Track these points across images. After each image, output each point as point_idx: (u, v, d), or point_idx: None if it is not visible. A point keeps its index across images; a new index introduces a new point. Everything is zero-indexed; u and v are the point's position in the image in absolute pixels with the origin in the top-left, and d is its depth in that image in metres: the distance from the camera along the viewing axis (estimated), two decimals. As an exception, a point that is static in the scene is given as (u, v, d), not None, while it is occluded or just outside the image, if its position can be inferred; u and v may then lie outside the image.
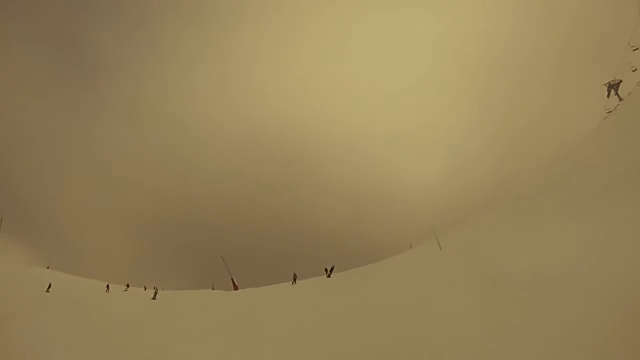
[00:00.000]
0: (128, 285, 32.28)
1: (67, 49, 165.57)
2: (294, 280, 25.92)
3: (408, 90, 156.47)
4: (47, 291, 25.30)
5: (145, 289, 33.09)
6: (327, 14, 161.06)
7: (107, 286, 29.88)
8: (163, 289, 34.13)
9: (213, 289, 34.94)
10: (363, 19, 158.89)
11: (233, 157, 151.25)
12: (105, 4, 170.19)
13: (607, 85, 47.54)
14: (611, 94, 46.83)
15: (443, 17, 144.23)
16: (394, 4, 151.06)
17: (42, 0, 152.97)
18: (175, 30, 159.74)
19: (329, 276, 24.68)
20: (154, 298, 24.73)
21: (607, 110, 45.07)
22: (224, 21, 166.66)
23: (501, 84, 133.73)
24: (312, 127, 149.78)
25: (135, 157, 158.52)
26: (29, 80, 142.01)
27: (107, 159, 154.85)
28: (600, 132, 37.62)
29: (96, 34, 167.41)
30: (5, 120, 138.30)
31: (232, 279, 37.36)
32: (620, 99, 44.54)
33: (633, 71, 46.17)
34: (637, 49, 47.96)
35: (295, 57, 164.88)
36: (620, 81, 46.45)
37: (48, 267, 37.57)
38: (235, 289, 34.28)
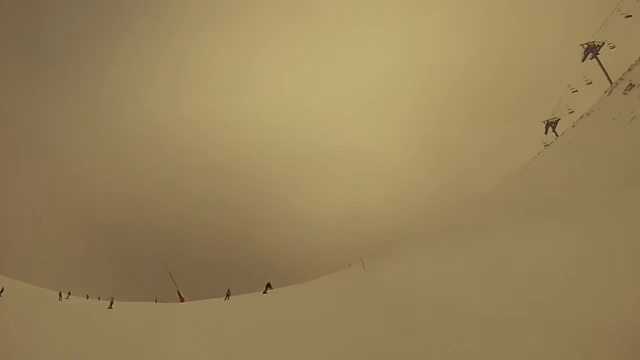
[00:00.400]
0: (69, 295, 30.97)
1: (31, 39, 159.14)
2: (227, 296, 26.48)
3: (355, 117, 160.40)
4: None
5: (87, 297, 32.08)
6: (288, 36, 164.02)
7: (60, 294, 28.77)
8: (99, 299, 33.33)
9: (156, 301, 34.28)
10: (319, 43, 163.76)
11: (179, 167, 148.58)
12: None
13: (546, 122, 51.77)
14: (549, 131, 50.97)
15: (393, 49, 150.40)
16: (350, 34, 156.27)
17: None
18: (139, 34, 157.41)
19: (264, 292, 25.37)
20: (109, 307, 24.84)
21: (545, 144, 48.70)
22: (185, 31, 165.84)
23: (447, 118, 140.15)
24: (258, 148, 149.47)
25: (88, 156, 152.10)
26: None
27: (57, 154, 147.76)
28: (533, 164, 41.00)
29: (61, 27, 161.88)
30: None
31: (178, 292, 37.14)
32: (557, 136, 48.46)
33: (570, 113, 50.01)
34: (576, 90, 51.47)
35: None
36: (559, 119, 50.63)
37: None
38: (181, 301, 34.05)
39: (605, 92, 38.96)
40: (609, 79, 40.93)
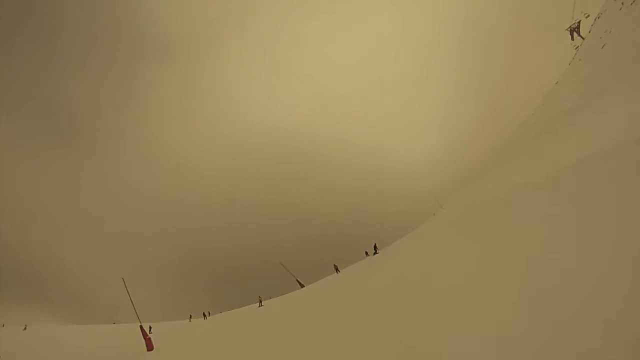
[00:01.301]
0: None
1: (55, 111, 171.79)
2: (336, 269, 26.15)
3: (391, 79, 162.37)
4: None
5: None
6: (319, 15, 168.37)
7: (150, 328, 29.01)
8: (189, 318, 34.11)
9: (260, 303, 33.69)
10: (345, 15, 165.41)
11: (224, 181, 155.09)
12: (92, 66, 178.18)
13: (569, 29, 49.36)
14: (574, 36, 48.65)
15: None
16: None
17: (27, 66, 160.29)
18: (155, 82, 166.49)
19: (375, 253, 24.93)
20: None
21: (575, 47, 46.90)
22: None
23: (473, 53, 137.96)
24: (308, 126, 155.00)
25: (129, 205, 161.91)
26: (19, 143, 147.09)
27: (99, 212, 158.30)
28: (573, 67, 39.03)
29: (79, 95, 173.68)
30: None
31: (297, 280, 34.65)
32: (583, 38, 46.17)
33: (586, 17, 48.13)
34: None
35: (279, 58, 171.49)
36: (580, 21, 48.27)
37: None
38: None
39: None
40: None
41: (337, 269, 25.80)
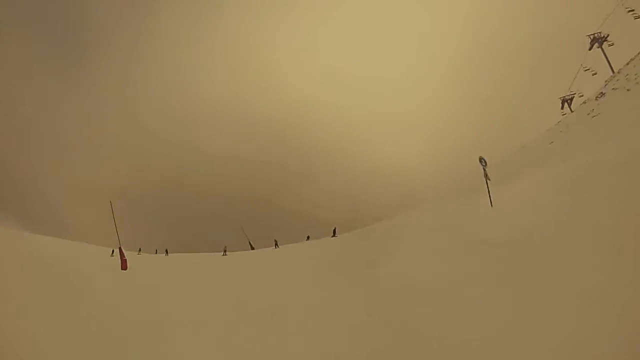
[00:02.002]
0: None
1: (60, 31, 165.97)
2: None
3: (396, 74, 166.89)
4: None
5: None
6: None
7: (112, 252, 28.08)
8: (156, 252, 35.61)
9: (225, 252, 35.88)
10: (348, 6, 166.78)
11: (225, 138, 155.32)
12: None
13: (562, 98, 53.40)
14: (565, 107, 52.56)
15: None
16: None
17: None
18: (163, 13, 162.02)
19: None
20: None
21: (563, 114, 50.13)
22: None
23: (486, 68, 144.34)
24: (302, 112, 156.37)
25: (125, 136, 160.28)
26: (22, 61, 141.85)
27: (96, 138, 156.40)
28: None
29: (88, 14, 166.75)
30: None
31: (249, 243, 36.22)
32: (572, 111, 50.01)
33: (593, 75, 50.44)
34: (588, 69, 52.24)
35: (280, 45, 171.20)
36: (574, 95, 52.10)
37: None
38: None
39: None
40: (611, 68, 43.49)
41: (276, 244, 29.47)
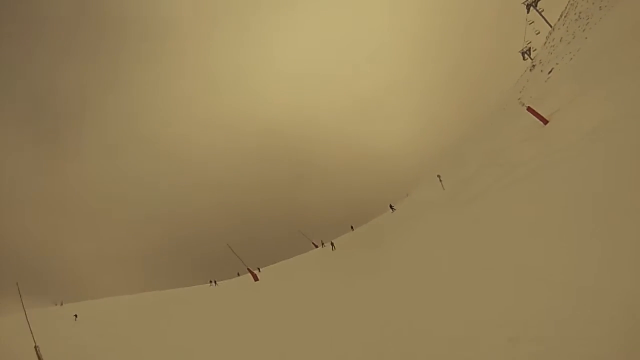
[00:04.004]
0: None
1: (39, 100, 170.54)
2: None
3: (367, 61, 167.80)
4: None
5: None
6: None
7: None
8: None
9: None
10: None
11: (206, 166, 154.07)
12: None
13: (521, 51, 55.58)
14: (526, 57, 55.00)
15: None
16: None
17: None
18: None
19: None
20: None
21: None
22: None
23: (450, 40, 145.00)
24: (284, 112, 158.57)
25: (117, 190, 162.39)
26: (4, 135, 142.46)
27: (86, 197, 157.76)
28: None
29: (62, 82, 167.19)
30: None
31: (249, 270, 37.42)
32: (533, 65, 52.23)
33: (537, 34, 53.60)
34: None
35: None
36: (530, 43, 54.53)
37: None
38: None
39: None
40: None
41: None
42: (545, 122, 15.80)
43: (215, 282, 40.16)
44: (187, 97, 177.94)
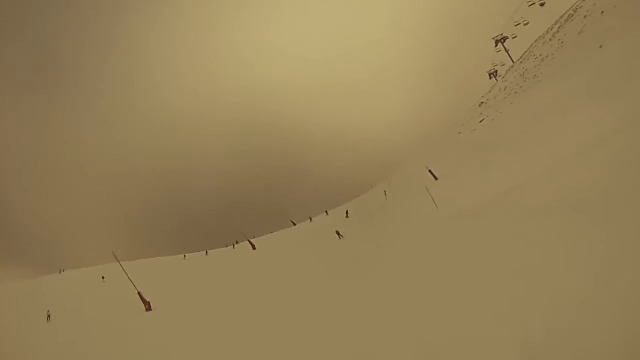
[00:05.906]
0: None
1: (39, 64, 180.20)
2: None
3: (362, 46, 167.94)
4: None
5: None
6: None
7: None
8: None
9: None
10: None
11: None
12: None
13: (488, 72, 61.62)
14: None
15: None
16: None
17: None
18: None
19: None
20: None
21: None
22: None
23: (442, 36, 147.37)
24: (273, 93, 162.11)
25: (104, 154, 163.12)
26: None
27: (76, 159, 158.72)
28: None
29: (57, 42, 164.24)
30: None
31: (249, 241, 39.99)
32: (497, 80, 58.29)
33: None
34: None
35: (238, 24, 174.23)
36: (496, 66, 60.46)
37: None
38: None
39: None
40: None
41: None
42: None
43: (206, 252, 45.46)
44: (183, 72, 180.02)
